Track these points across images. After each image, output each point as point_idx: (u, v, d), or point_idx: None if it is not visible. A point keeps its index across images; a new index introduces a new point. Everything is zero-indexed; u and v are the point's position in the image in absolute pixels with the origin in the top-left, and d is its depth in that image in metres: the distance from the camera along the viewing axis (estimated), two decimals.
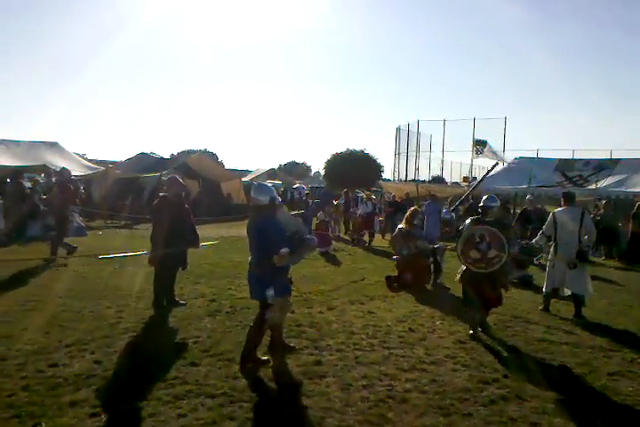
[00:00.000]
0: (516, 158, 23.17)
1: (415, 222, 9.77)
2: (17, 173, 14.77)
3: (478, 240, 6.31)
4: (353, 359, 5.42)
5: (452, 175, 31.95)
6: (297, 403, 4.34)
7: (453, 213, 16.23)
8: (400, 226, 9.74)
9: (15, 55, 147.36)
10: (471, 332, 6.41)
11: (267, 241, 4.93)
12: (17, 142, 21.23)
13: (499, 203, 6.94)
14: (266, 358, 5.26)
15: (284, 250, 4.82)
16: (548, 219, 8.07)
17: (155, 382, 4.64)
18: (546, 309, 7.81)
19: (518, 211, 16.56)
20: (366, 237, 16.33)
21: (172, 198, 7.32)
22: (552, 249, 7.89)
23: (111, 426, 3.85)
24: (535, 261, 11.14)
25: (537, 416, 4.27)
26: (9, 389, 4.38)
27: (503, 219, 7.12)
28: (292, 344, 5.68)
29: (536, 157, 23.67)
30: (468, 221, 6.88)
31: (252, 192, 5.21)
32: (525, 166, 20.81)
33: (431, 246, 9.80)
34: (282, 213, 5.36)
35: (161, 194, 7.63)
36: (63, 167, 13.26)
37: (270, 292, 4.97)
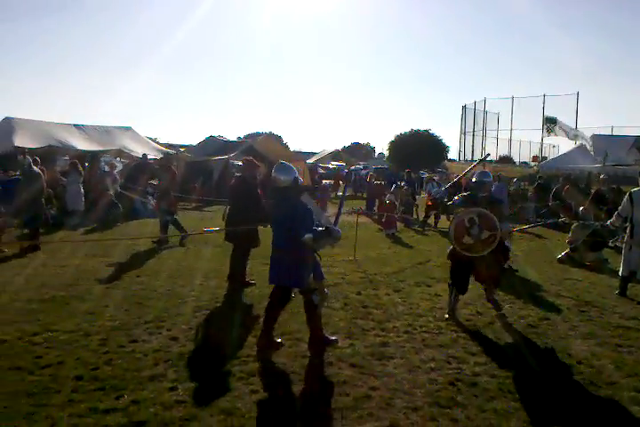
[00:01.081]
0: (595, 135, 22.13)
1: None
2: (94, 157, 15.42)
3: (469, 225, 5.96)
4: (420, 342, 5.43)
5: (521, 155, 30.96)
6: (365, 383, 4.39)
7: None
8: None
9: (89, 43, 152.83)
10: (447, 316, 6.24)
11: (299, 224, 4.82)
12: (93, 127, 22.10)
13: (491, 178, 6.62)
14: (334, 338, 5.33)
15: (308, 235, 4.75)
16: (625, 199, 7.70)
17: (228, 358, 4.82)
18: (622, 293, 7.52)
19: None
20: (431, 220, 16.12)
21: (247, 179, 7.60)
22: (628, 231, 7.56)
23: (188, 400, 4.02)
24: (610, 244, 10.71)
25: (612, 404, 4.16)
26: (93, 363, 4.65)
27: (494, 196, 6.80)
28: (279, 340, 5.25)
29: (611, 134, 22.59)
30: (458, 198, 6.53)
31: (273, 172, 5.09)
32: (600, 144, 19.89)
33: None
34: (305, 198, 5.30)
35: (237, 174, 7.89)
36: (167, 152, 13.73)
37: (309, 277, 5.01)
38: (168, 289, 7.20)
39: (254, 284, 7.55)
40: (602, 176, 14.90)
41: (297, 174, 5.12)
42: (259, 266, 8.66)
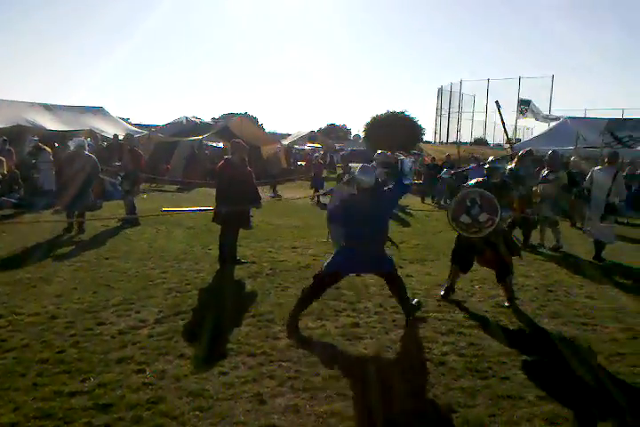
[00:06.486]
0: (567, 118, 22.39)
1: None
2: (64, 138, 15.13)
3: (469, 204, 5.99)
4: (391, 322, 5.45)
5: (495, 137, 31.23)
6: (335, 363, 4.40)
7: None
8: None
9: (62, 22, 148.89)
10: (442, 293, 6.39)
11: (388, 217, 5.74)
12: (63, 107, 21.60)
13: (505, 165, 6.96)
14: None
15: None
16: (588, 175, 9.07)
17: (196, 340, 4.79)
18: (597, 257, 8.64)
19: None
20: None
21: (235, 161, 7.63)
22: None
23: (155, 382, 3.98)
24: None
25: (578, 381, 4.22)
26: (59, 345, 4.57)
27: (507, 182, 6.82)
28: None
29: (584, 117, 22.84)
30: (472, 182, 6.58)
31: (358, 174, 5.30)
32: (572, 127, 20.11)
33: None
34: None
35: (225, 157, 8.04)
36: (128, 133, 13.59)
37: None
38: (137, 271, 7.11)
39: (246, 262, 7.67)
40: (572, 158, 15.05)
41: (376, 173, 5.49)
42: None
